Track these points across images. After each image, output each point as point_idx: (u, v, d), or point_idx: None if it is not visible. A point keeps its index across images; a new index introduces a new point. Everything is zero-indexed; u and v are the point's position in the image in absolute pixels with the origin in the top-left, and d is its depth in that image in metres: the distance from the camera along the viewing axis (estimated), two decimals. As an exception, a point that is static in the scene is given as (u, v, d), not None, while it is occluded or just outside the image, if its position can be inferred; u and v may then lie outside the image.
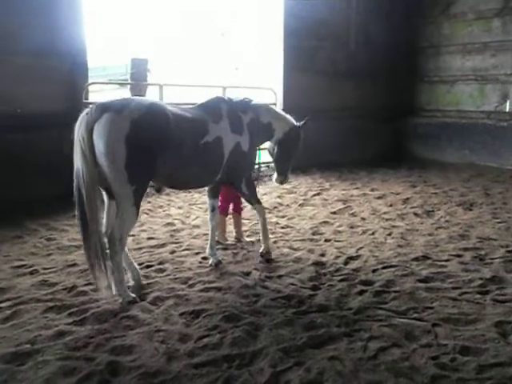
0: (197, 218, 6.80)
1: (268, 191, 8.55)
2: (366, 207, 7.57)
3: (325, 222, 6.66)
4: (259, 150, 5.48)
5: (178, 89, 11.63)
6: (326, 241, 5.85)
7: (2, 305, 3.95)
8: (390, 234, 6.13)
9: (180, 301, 4.08)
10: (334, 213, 7.22)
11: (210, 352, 3.29)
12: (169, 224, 6.49)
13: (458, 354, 3.30)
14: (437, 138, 12.28)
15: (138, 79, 16.63)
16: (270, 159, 5.82)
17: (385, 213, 7.21)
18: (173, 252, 5.35)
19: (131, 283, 4.34)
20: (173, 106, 4.46)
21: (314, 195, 8.40)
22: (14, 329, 3.56)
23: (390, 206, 7.69)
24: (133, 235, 5.94)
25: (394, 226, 6.49)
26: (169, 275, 4.67)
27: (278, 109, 5.37)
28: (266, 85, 11.49)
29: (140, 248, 5.48)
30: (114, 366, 3.09)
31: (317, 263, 5.04)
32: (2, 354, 3.18)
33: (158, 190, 8.16)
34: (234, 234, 5.88)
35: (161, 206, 7.49)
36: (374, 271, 4.86)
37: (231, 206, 5.89)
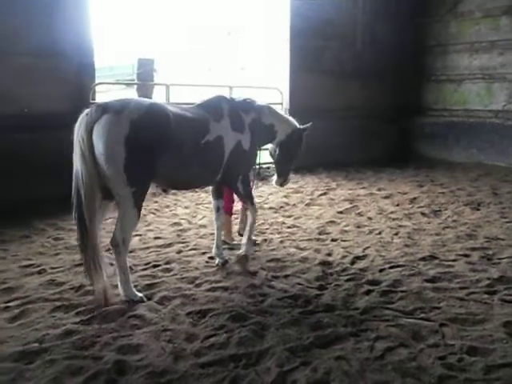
0: (203, 217, 6.81)
1: (274, 191, 8.54)
2: (372, 207, 7.55)
3: (331, 222, 6.65)
4: (260, 150, 5.41)
5: (185, 89, 11.65)
6: (332, 240, 5.84)
7: (10, 304, 3.98)
8: (396, 234, 6.11)
9: (187, 300, 4.09)
10: (341, 212, 7.21)
11: (216, 351, 3.29)
12: (175, 224, 6.51)
13: (465, 354, 3.28)
14: (444, 138, 12.22)
15: (144, 79, 16.67)
16: (271, 161, 5.77)
17: (392, 212, 7.19)
18: (179, 252, 5.37)
19: None
20: (173, 105, 4.44)
21: (321, 195, 8.39)
22: (21, 328, 3.58)
23: (397, 205, 7.67)
24: (139, 235, 5.97)
25: (400, 226, 6.47)
26: (175, 275, 4.68)
27: (281, 111, 5.31)
28: (272, 84, 11.49)
29: (147, 248, 5.50)
30: (121, 365, 3.10)
31: (323, 263, 5.04)
32: (10, 353, 3.20)
33: (165, 190, 8.17)
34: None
35: (167, 206, 7.51)
36: (380, 271, 4.84)
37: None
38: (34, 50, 7.15)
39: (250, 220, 5.02)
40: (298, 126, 5.26)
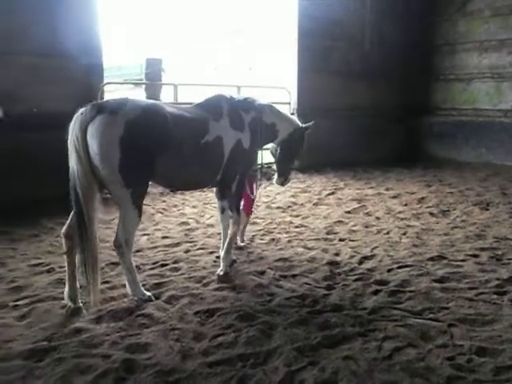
0: (211, 217, 6.82)
1: (282, 190, 8.54)
2: (380, 207, 7.53)
3: (339, 222, 6.63)
4: (262, 150, 5.36)
5: (193, 88, 11.69)
6: (340, 240, 5.83)
7: (20, 302, 4.01)
8: (405, 234, 6.08)
9: (195, 299, 4.09)
10: (349, 212, 7.20)
11: (224, 351, 3.29)
12: (183, 223, 6.53)
13: (474, 354, 3.26)
14: (453, 137, 12.16)
15: (152, 79, 16.72)
16: (272, 160, 5.69)
17: (400, 212, 7.17)
18: (187, 251, 5.38)
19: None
20: (173, 105, 4.38)
21: (329, 194, 8.38)
22: (31, 326, 3.60)
23: (405, 205, 7.64)
24: (147, 234, 6.00)
25: (409, 226, 6.44)
26: (183, 274, 4.69)
27: (288, 110, 5.23)
28: (280, 84, 11.50)
29: (155, 247, 5.52)
30: (130, 364, 3.11)
31: (331, 263, 5.03)
32: (19, 351, 3.23)
33: (173, 190, 8.17)
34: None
35: (175, 206, 7.53)
36: (388, 271, 4.83)
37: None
38: (43, 49, 7.19)
39: (230, 230, 4.84)
40: (299, 124, 5.21)
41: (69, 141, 3.74)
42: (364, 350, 3.31)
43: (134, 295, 4.02)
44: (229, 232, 4.85)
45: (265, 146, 5.30)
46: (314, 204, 7.69)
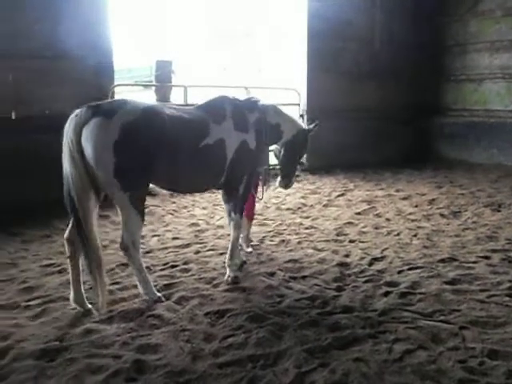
0: (221, 218, 6.83)
1: (292, 192, 8.53)
2: (390, 208, 7.49)
3: (349, 223, 6.62)
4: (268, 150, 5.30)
5: (203, 90, 11.71)
6: (350, 242, 5.81)
7: (32, 303, 4.04)
8: (415, 235, 6.05)
9: (205, 300, 4.10)
10: (359, 213, 7.17)
11: (234, 352, 3.30)
12: (193, 224, 6.54)
13: (486, 357, 3.23)
14: (464, 138, 12.07)
15: (162, 81, 16.78)
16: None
17: (410, 214, 7.13)
18: (197, 252, 5.40)
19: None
20: (172, 107, 4.30)
21: (338, 196, 8.36)
22: (43, 326, 3.63)
23: (416, 206, 7.60)
24: (158, 235, 6.02)
25: (419, 227, 6.41)
26: (193, 275, 4.71)
27: (290, 111, 5.12)
28: (289, 86, 11.49)
29: (165, 248, 5.54)
30: (140, 365, 3.13)
31: (341, 264, 5.01)
32: (32, 351, 3.25)
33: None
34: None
35: (185, 207, 7.55)
36: (399, 272, 4.81)
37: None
38: (54, 51, 7.24)
39: (232, 234, 4.74)
40: (303, 126, 5.11)
41: (63, 144, 3.69)
42: (374, 352, 3.30)
43: (146, 294, 4.03)
44: (231, 236, 4.74)
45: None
46: (323, 205, 7.68)
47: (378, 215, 7.09)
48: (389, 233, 6.18)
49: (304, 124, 5.24)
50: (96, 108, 3.70)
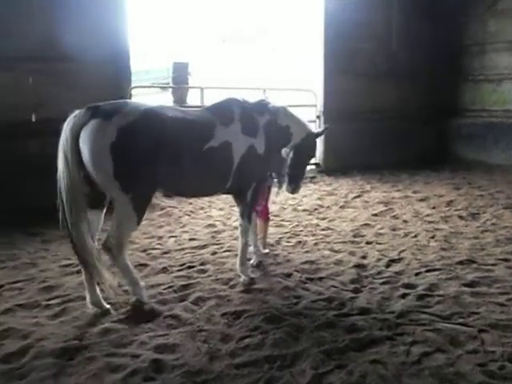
0: (237, 219, 6.83)
1: (308, 193, 8.53)
2: (408, 209, 7.43)
3: (366, 225, 6.58)
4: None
5: (219, 91, 11.76)
6: (367, 243, 5.78)
7: (51, 302, 4.11)
8: (433, 237, 6.00)
9: (221, 301, 4.13)
10: (376, 215, 7.13)
11: (251, 352, 3.31)
12: (210, 225, 6.57)
13: (506, 361, 3.20)
14: (482, 139, 11.91)
15: (179, 83, 16.92)
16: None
17: (428, 215, 7.06)
18: (214, 253, 5.42)
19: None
20: (176, 109, 4.25)
21: (355, 197, 8.32)
22: (62, 325, 3.69)
23: (433, 208, 7.53)
24: (175, 236, 6.07)
25: (437, 229, 6.35)
26: (210, 276, 4.73)
27: (296, 112, 4.93)
28: (306, 87, 11.48)
29: (182, 249, 5.57)
30: (158, 364, 3.16)
31: (358, 266, 4.99)
32: (52, 349, 3.31)
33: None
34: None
35: (202, 208, 7.59)
36: (416, 274, 4.77)
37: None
38: (72, 55, 7.32)
39: (240, 241, 4.70)
40: (311, 130, 5.01)
41: (59, 144, 3.66)
42: (392, 354, 3.28)
43: (134, 295, 3.97)
44: (240, 242, 4.70)
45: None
46: (340, 207, 7.65)
47: (395, 217, 7.04)
48: (406, 234, 6.13)
49: (313, 127, 5.13)
50: (95, 109, 3.66)
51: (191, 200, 7.94)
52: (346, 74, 10.85)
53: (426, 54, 11.96)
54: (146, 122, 3.71)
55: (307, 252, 5.47)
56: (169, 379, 3.02)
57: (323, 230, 6.37)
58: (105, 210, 4.03)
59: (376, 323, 3.71)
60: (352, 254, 5.39)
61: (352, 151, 10.75)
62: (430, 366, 3.15)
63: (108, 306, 3.94)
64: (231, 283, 4.54)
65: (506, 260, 5.12)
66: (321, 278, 4.68)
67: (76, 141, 3.58)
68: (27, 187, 6.83)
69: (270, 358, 3.24)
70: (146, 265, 5.01)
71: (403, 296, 4.24)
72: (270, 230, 5.98)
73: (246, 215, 4.68)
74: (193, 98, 15.28)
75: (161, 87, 20.46)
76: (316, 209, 7.51)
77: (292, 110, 4.94)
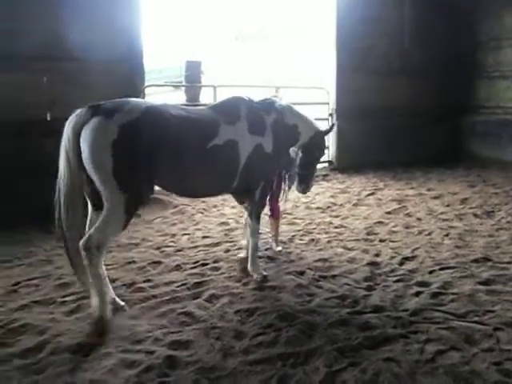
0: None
1: (321, 191, 8.52)
2: (421, 207, 7.39)
3: (379, 222, 6.56)
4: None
5: (232, 89, 11.78)
6: (380, 241, 5.76)
7: (67, 299, 4.16)
8: (447, 235, 5.95)
9: (235, 299, 4.14)
10: (389, 213, 7.10)
11: (264, 350, 3.32)
12: (223, 223, 6.60)
13: (522, 360, 3.17)
14: (497, 136, 11.77)
15: (192, 81, 16.98)
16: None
17: (442, 213, 7.02)
18: (227, 251, 5.44)
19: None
20: (179, 107, 4.15)
21: (368, 195, 8.29)
22: (78, 321, 3.74)
23: (447, 206, 7.47)
24: (188, 234, 6.10)
25: (451, 227, 6.30)
26: (224, 273, 4.75)
27: (303, 111, 4.87)
28: (319, 84, 11.46)
29: (195, 246, 5.60)
30: (172, 360, 3.18)
31: (371, 263, 4.98)
32: (68, 345, 3.35)
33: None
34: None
35: (215, 206, 7.61)
36: (430, 272, 4.74)
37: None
38: (87, 54, 7.37)
39: (250, 241, 4.66)
40: (319, 128, 4.90)
41: (61, 143, 3.61)
42: (406, 352, 3.27)
43: (98, 309, 3.58)
44: (250, 243, 4.67)
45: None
46: (353, 204, 7.63)
47: (408, 214, 7.00)
48: (420, 232, 6.10)
49: (321, 125, 5.01)
50: (96, 108, 3.61)
51: (204, 198, 7.97)
52: (359, 72, 10.80)
53: (438, 50, 11.86)
54: (147, 119, 3.65)
55: (320, 250, 5.46)
56: (183, 375, 3.05)
57: (336, 227, 6.36)
58: None
59: (389, 321, 3.70)
60: (365, 251, 5.37)
61: (365, 149, 10.71)
62: (444, 364, 3.14)
63: (122, 303, 3.97)
64: (244, 281, 4.56)
65: (521, 258, 5.08)
66: (334, 276, 4.67)
67: (77, 139, 3.53)
68: (44, 185, 6.89)
69: (284, 356, 3.24)
70: (159, 262, 5.04)
71: (417, 294, 4.22)
72: (283, 227, 5.99)
73: (255, 215, 4.64)
74: (206, 97, 15.33)
75: (174, 86, 20.56)
76: (329, 206, 7.50)
77: (300, 108, 4.89)
